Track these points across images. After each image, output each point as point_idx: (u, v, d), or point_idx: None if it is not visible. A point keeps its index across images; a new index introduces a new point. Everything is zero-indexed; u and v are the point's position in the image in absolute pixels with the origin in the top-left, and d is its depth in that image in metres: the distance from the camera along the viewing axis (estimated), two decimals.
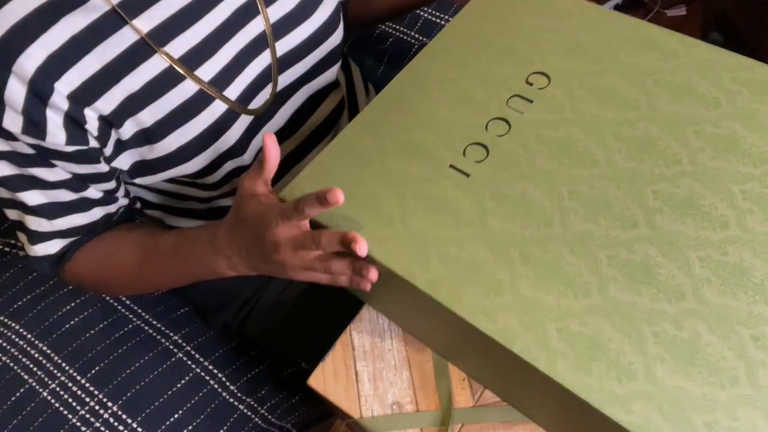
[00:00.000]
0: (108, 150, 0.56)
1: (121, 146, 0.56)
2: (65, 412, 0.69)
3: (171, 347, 0.77)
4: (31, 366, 0.72)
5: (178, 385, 0.74)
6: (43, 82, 0.49)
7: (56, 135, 0.51)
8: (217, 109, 0.58)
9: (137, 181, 0.62)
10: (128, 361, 0.74)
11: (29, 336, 0.74)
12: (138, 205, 0.73)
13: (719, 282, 0.46)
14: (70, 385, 0.71)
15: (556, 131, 0.55)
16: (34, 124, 0.50)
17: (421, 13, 0.96)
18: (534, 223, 0.50)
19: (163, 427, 0.70)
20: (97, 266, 0.63)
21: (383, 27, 0.97)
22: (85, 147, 0.54)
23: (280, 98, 0.65)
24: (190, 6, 0.55)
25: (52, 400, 0.70)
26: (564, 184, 0.52)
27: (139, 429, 0.69)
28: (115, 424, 0.69)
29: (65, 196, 0.58)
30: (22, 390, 0.70)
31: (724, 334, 0.44)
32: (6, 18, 0.48)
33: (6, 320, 0.76)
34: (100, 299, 0.79)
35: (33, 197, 0.56)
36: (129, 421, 0.70)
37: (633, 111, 0.55)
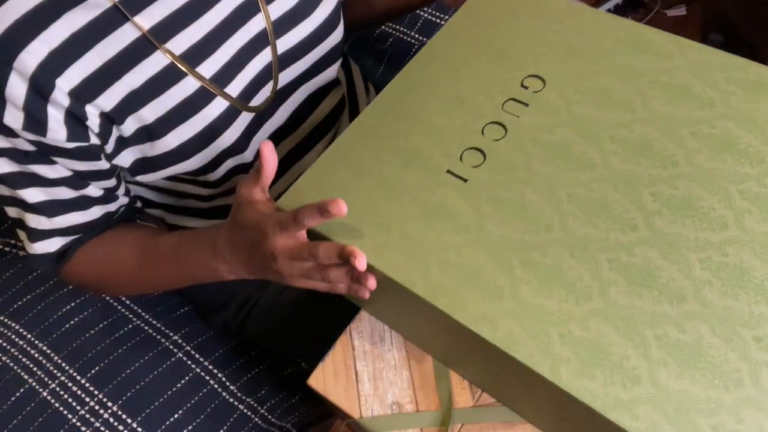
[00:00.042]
0: (109, 147, 0.56)
1: (123, 143, 0.56)
2: (65, 412, 0.69)
3: (171, 347, 0.77)
4: (31, 366, 0.72)
5: (178, 385, 0.73)
6: (44, 78, 0.49)
7: (57, 131, 0.51)
8: (218, 106, 0.58)
9: (138, 178, 0.62)
10: (128, 361, 0.74)
11: (29, 336, 0.74)
12: (138, 204, 0.73)
13: (720, 283, 0.46)
14: (70, 385, 0.71)
15: (553, 134, 0.55)
16: (35, 120, 0.50)
17: (421, 13, 0.96)
18: (533, 227, 0.50)
19: (163, 427, 0.70)
20: (98, 266, 0.63)
21: (383, 27, 0.97)
22: (86, 144, 0.54)
23: (280, 96, 0.65)
24: (192, 3, 0.55)
25: (52, 400, 0.70)
26: (562, 188, 0.51)
27: (139, 429, 0.69)
28: (115, 424, 0.69)
29: (65, 193, 0.58)
30: (22, 390, 0.70)
31: (727, 335, 0.44)
32: (7, 14, 0.48)
33: (6, 320, 0.76)
34: (100, 299, 0.79)
35: (33, 194, 0.56)
36: (129, 421, 0.69)
37: (629, 113, 0.55)
